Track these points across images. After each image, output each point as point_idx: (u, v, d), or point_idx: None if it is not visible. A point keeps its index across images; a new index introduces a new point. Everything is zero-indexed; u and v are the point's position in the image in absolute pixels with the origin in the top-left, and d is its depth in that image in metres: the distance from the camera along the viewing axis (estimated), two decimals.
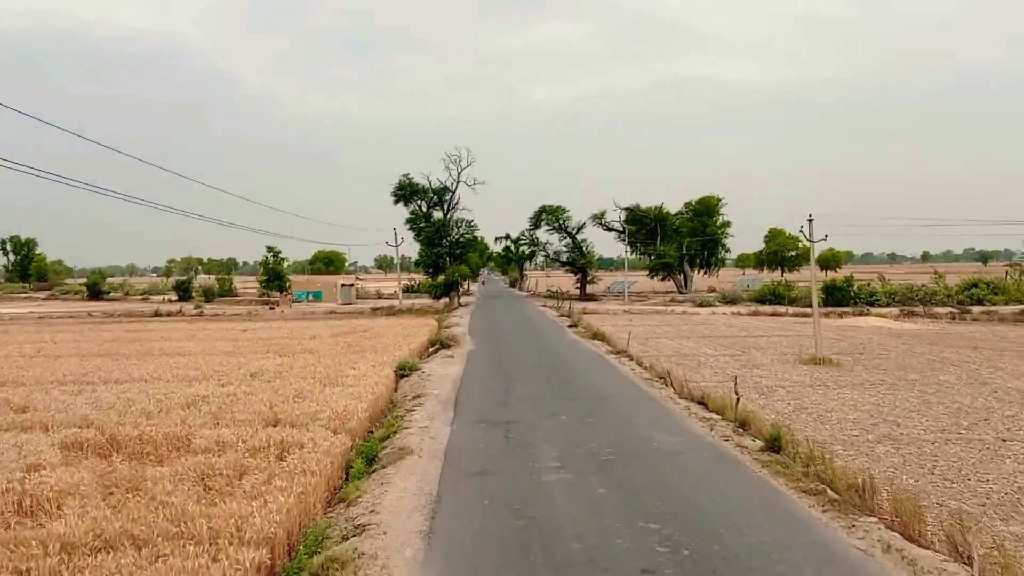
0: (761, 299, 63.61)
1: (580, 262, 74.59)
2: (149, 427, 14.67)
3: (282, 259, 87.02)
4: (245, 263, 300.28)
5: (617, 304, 67.83)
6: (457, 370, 24.86)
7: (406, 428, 15.61)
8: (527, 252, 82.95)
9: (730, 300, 64.76)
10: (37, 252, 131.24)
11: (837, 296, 59.52)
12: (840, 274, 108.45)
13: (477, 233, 73.77)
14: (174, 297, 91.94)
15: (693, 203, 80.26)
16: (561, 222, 74.82)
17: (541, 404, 18.24)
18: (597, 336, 35.16)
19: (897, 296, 59.70)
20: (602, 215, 75.40)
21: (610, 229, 77.02)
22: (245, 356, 27.38)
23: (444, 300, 66.56)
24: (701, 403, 17.78)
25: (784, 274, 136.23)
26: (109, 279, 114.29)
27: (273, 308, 67.75)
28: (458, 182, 70.73)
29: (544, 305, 64.72)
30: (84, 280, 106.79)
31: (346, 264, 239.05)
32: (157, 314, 62.38)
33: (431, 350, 31.74)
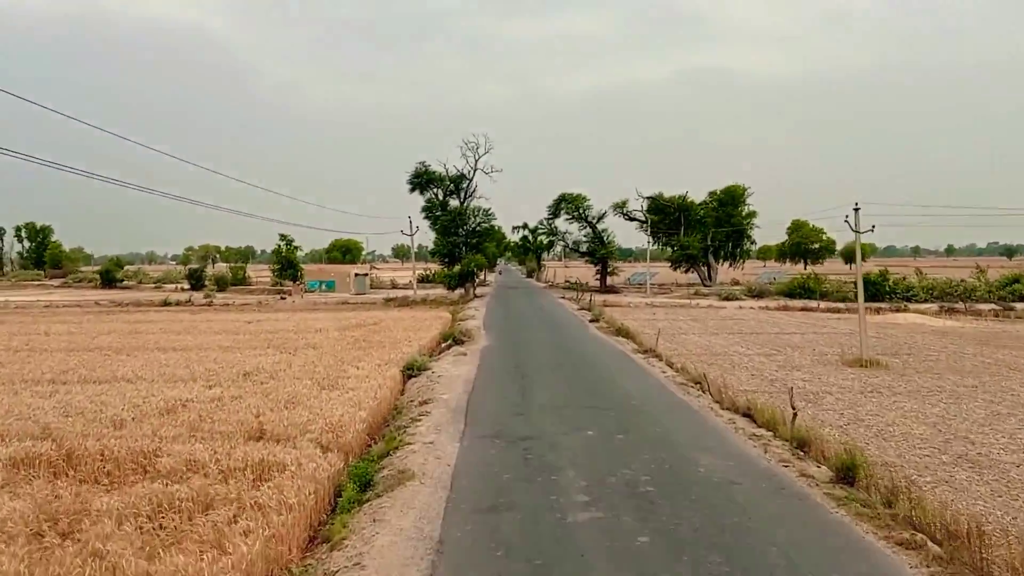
0: (790, 293, 61.05)
1: (600, 252, 72.07)
2: (115, 440, 12.75)
3: (295, 248, 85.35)
4: (263, 251, 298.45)
5: (639, 296, 65.51)
6: (470, 370, 22.80)
7: (409, 444, 13.56)
8: (545, 242, 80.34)
9: (757, 293, 62.24)
10: (53, 239, 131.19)
11: (871, 290, 56.76)
12: (867, 268, 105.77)
13: (494, 222, 71.85)
14: (187, 286, 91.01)
15: (718, 192, 77.40)
16: (581, 211, 72.29)
17: (564, 414, 16.11)
18: (621, 332, 32.98)
19: (935, 291, 56.88)
20: (623, 204, 72.86)
21: (632, 219, 74.38)
22: (243, 352, 25.49)
23: (459, 291, 64.62)
24: (747, 415, 15.59)
25: (807, 266, 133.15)
26: (127, 266, 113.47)
27: (284, 298, 66.11)
28: (475, 169, 68.85)
29: (563, 297, 62.52)
30: (100, 268, 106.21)
31: (363, 253, 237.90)
32: (165, 303, 60.91)
33: (443, 346, 29.71)
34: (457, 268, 64.29)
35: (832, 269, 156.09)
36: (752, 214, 76.57)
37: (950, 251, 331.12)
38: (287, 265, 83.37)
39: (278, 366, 21.72)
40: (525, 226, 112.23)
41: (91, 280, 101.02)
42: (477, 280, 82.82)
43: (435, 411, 16.50)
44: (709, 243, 73.25)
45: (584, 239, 73.97)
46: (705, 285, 72.92)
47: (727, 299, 60.69)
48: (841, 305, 54.87)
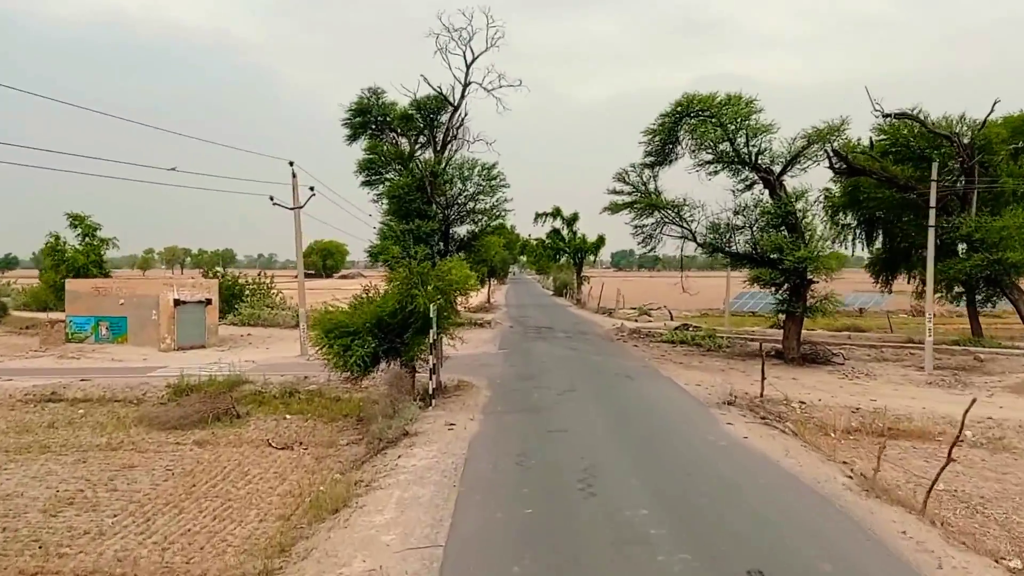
0: None
1: (795, 257, 24.70)
2: None
3: (101, 240, 42.54)
4: (259, 256, 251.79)
5: (917, 390, 21.89)
6: None
7: None
8: (644, 224, 30.51)
9: None
10: None
11: None
12: None
13: (503, 195, 28.43)
14: None
15: (998, 124, 33.28)
16: (738, 142, 26.13)
17: None
18: None
19: None
20: (836, 131, 26.94)
21: (853, 170, 29.19)
22: None
23: (392, 374, 20.39)
24: None
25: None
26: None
27: None
28: (466, 84, 27.29)
29: (728, 404, 18.61)
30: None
31: (347, 259, 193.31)
32: None
33: None
34: (391, 305, 20.04)
35: None
36: None
37: None
38: (79, 275, 40.66)
39: None
40: (557, 213, 68.41)
41: None
42: (461, 312, 39.78)
43: None
44: None
45: (739, 221, 27.47)
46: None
47: None
48: None
